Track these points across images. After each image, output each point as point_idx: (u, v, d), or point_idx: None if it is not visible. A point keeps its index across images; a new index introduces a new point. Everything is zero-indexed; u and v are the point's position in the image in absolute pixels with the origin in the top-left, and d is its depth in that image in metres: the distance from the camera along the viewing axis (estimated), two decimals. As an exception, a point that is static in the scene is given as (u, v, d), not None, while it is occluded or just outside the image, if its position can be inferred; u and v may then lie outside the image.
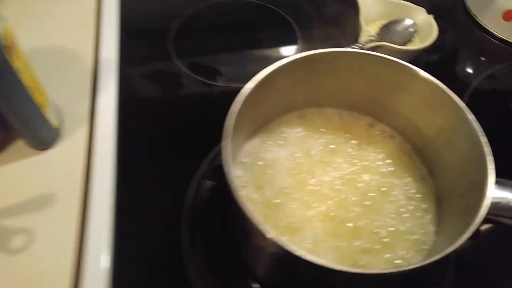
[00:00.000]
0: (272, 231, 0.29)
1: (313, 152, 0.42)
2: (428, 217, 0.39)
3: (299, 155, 0.42)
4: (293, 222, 0.38)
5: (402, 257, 0.37)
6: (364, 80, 0.43)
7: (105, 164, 0.44)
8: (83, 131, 0.47)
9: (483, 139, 0.35)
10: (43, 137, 0.44)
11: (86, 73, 0.52)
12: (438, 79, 0.39)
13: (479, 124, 0.35)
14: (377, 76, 0.42)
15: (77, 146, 0.45)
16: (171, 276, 0.40)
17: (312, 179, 0.40)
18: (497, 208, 0.33)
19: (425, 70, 0.39)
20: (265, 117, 0.44)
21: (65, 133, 0.46)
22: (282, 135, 0.44)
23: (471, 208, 0.34)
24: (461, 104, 0.37)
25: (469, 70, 0.64)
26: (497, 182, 0.34)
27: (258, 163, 0.41)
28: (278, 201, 0.39)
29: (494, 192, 0.33)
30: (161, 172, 0.47)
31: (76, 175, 0.43)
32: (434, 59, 0.63)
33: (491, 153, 0.34)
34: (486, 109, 0.56)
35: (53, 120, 0.44)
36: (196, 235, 0.42)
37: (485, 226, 0.34)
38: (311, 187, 0.40)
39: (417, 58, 0.56)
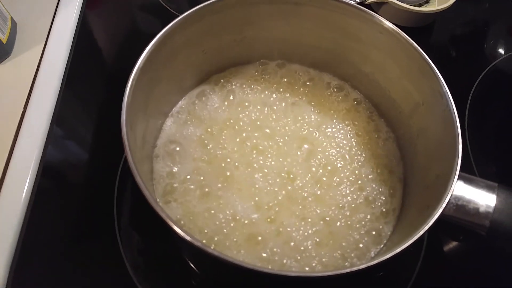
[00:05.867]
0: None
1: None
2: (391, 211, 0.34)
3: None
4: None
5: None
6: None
7: (48, 87, 0.40)
8: (37, 50, 0.43)
9: (457, 121, 0.28)
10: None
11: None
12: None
13: (452, 102, 0.28)
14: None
15: (27, 65, 0.42)
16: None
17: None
18: (456, 210, 0.27)
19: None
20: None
21: (18, 50, 0.43)
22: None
23: (429, 207, 0.28)
24: (437, 74, 0.29)
25: (498, 49, 0.54)
26: (464, 179, 0.28)
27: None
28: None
29: (457, 190, 0.27)
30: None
31: (19, 96, 0.40)
32: (457, 31, 0.53)
33: (460, 142, 0.27)
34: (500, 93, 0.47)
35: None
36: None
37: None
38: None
39: (433, 24, 0.48)
